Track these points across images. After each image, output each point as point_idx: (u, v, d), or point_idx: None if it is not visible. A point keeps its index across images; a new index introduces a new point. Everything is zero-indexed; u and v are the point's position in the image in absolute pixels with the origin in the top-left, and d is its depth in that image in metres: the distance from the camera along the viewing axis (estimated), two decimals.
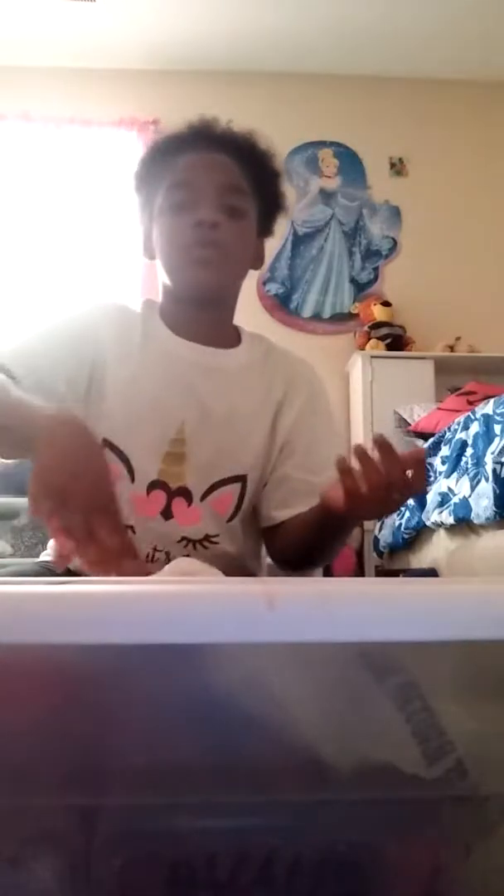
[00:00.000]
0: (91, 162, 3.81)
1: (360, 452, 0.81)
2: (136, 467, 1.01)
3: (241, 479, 1.06)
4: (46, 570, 1.06)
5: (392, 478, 0.81)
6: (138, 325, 1.08)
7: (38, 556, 1.21)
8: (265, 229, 1.13)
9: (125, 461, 1.01)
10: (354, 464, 0.81)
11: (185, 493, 1.02)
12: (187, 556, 1.01)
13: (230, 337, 1.13)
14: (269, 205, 1.12)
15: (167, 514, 1.02)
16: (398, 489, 0.83)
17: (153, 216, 1.07)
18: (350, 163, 4.00)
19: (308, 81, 3.97)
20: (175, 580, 0.58)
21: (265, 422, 1.08)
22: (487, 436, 2.11)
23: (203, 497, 1.03)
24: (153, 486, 1.01)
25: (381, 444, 0.82)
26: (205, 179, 1.03)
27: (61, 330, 1.05)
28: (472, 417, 2.28)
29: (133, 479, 1.01)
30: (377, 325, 3.69)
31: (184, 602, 0.37)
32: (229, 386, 1.07)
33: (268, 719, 0.41)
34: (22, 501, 3.18)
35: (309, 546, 1.02)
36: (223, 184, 1.04)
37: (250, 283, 4.01)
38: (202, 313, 1.08)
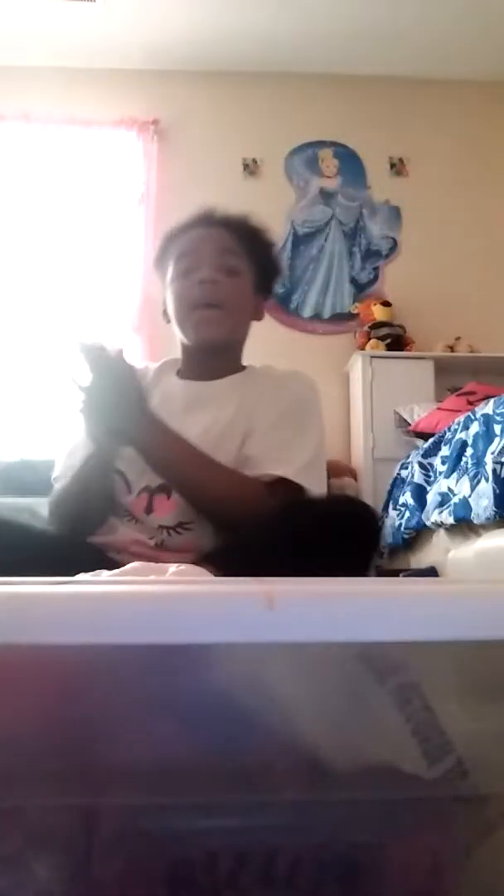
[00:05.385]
0: (91, 162, 3.81)
1: None
2: (133, 482, 1.22)
3: None
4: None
5: None
6: (151, 378, 1.31)
7: None
8: (263, 289, 1.32)
9: (126, 481, 1.22)
10: None
11: (166, 490, 1.20)
12: (163, 542, 1.17)
13: (226, 371, 1.30)
14: (265, 269, 1.32)
15: (149, 509, 1.20)
16: None
17: (167, 286, 1.27)
18: (350, 163, 4.00)
19: (308, 81, 3.97)
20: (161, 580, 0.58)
21: (240, 429, 1.23)
22: (487, 436, 2.11)
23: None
24: (141, 491, 1.21)
25: None
26: (204, 247, 1.24)
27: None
28: (472, 417, 2.28)
29: (130, 491, 1.22)
30: (377, 325, 3.69)
31: (184, 602, 0.37)
32: (207, 407, 1.25)
33: (268, 719, 0.41)
34: (22, 501, 3.18)
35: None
36: (220, 248, 1.24)
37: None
38: (209, 359, 1.28)
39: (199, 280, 1.21)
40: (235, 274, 1.24)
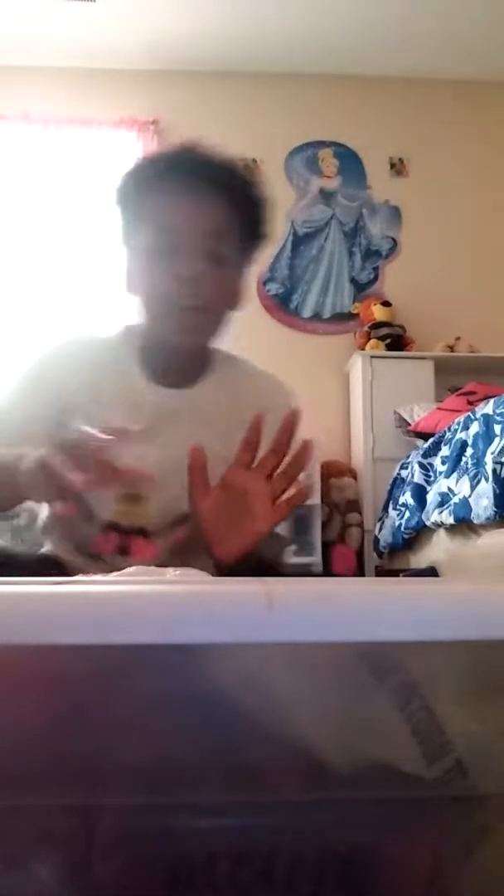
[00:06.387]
0: (91, 162, 3.80)
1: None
2: (95, 511, 1.02)
3: None
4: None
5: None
6: (109, 363, 1.06)
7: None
8: (248, 262, 1.08)
9: (87, 506, 1.02)
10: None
11: (142, 532, 1.02)
12: None
13: (199, 366, 1.10)
14: (254, 236, 1.07)
15: (124, 551, 1.02)
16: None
17: (134, 251, 1.04)
18: (350, 163, 4.01)
19: (308, 81, 3.97)
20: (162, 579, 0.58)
21: (229, 456, 1.03)
22: (487, 436, 2.11)
23: (162, 533, 1.03)
24: (107, 527, 1.02)
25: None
26: (190, 226, 0.98)
27: (30, 382, 1.05)
28: (472, 417, 2.28)
29: (90, 520, 1.03)
30: (377, 325, 3.69)
31: (184, 602, 0.37)
32: (194, 426, 1.03)
33: (268, 719, 0.41)
34: None
35: None
36: (209, 230, 0.99)
37: (250, 284, 4.03)
38: (178, 359, 1.06)
39: (180, 275, 0.97)
40: (224, 263, 1.00)
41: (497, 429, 2.06)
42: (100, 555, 1.02)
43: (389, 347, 3.62)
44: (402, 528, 2.81)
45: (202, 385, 1.08)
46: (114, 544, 1.02)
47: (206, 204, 0.99)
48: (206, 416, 1.06)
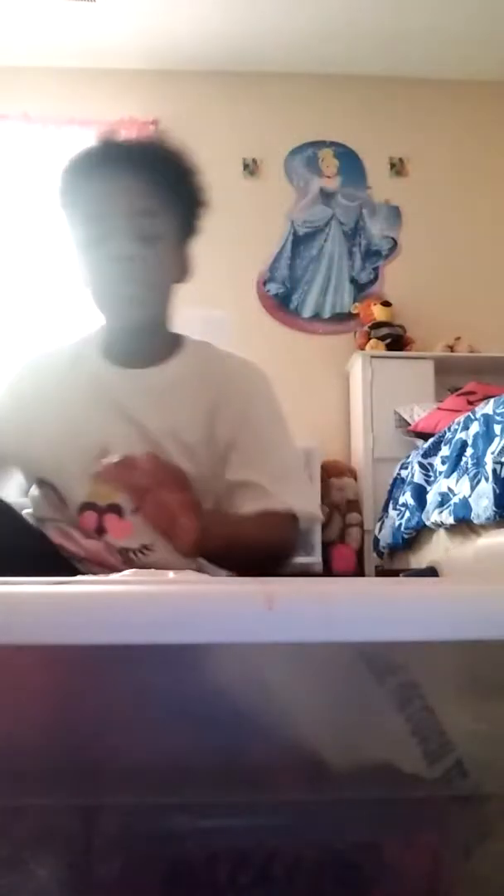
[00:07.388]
0: None
1: None
2: (66, 494, 1.07)
3: None
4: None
5: None
6: (64, 362, 1.14)
7: None
8: (189, 233, 1.11)
9: (55, 492, 1.08)
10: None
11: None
12: (127, 565, 1.01)
13: (165, 350, 1.13)
14: (189, 206, 1.11)
15: (100, 530, 1.06)
16: None
17: (77, 247, 1.08)
18: (350, 163, 4.00)
19: (308, 81, 3.97)
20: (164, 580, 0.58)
21: (201, 430, 1.08)
22: (487, 436, 2.11)
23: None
24: (84, 507, 1.07)
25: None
26: (114, 209, 1.03)
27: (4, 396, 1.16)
28: (472, 417, 2.28)
29: (67, 505, 1.08)
30: (377, 325, 3.69)
31: (184, 602, 0.37)
32: (160, 402, 1.08)
33: (268, 719, 0.41)
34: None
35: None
36: (132, 209, 1.03)
37: (250, 283, 4.05)
38: (135, 338, 1.10)
39: (111, 256, 1.02)
40: (154, 240, 1.04)
41: (497, 429, 2.06)
42: (83, 530, 1.07)
43: (389, 347, 3.62)
44: (402, 528, 2.81)
45: (167, 365, 1.11)
46: (93, 524, 1.06)
47: (130, 187, 1.04)
48: (172, 395, 1.08)
